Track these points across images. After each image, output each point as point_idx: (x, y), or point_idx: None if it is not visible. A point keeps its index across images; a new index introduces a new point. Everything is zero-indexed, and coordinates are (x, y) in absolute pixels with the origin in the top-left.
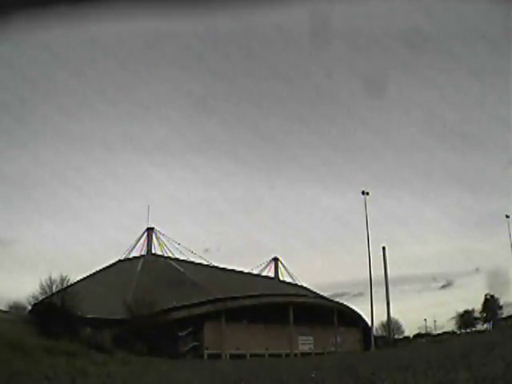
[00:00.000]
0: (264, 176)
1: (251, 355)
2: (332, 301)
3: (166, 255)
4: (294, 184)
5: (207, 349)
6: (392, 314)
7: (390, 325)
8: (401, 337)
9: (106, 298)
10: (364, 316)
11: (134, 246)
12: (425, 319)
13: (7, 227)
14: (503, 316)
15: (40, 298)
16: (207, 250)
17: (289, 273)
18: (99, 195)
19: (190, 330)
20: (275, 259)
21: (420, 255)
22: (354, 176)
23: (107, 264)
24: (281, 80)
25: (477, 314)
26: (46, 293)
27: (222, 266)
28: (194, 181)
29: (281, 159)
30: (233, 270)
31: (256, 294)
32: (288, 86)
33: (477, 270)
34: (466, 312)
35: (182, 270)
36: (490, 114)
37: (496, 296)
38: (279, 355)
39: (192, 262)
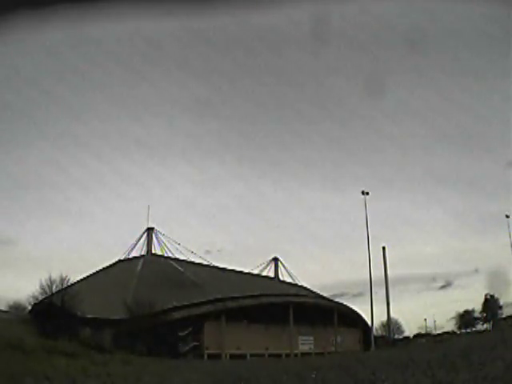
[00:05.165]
0: (264, 176)
1: (251, 355)
2: (332, 301)
3: (165, 255)
4: (294, 184)
5: (207, 349)
6: (392, 314)
7: (390, 325)
8: (401, 337)
9: (106, 298)
10: (364, 316)
11: (134, 246)
12: (425, 319)
13: (7, 227)
14: (503, 316)
15: (40, 298)
16: (208, 252)
17: (289, 273)
18: (99, 195)
19: (190, 330)
20: (275, 259)
21: (420, 255)
22: (354, 176)
23: (107, 264)
24: (281, 80)
25: (477, 314)
26: (45, 293)
27: (222, 266)
28: (193, 181)
29: (281, 159)
30: (233, 270)
31: (256, 294)
32: (289, 86)
33: (476, 270)
34: (466, 312)
35: (181, 270)
36: (490, 114)
37: (496, 296)
38: (279, 355)
39: (192, 262)
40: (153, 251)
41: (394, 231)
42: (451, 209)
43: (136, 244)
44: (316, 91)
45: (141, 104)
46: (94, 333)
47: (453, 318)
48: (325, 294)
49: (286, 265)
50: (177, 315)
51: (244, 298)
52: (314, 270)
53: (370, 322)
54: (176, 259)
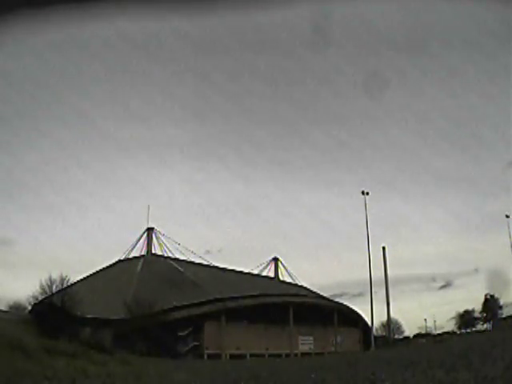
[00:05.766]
0: (264, 176)
1: (251, 355)
2: (332, 301)
3: (165, 255)
4: (294, 184)
5: (207, 349)
6: (392, 314)
7: (390, 325)
8: (401, 337)
9: (106, 298)
10: (364, 316)
11: (134, 246)
12: (425, 319)
13: (7, 227)
14: (503, 316)
15: (40, 298)
16: (208, 252)
17: (289, 273)
18: (99, 195)
19: (190, 329)
20: (275, 259)
21: (420, 255)
22: (354, 176)
23: (107, 264)
24: (281, 80)
25: (477, 314)
26: (45, 293)
27: (222, 266)
28: (194, 181)
29: (281, 160)
30: (233, 270)
31: (256, 293)
32: (289, 86)
33: (476, 270)
34: (466, 312)
35: (181, 270)
36: (491, 114)
37: (496, 296)
38: (279, 355)
39: (192, 262)
40: (153, 251)
41: (393, 231)
42: (451, 209)
43: (136, 244)
44: (316, 91)
45: (141, 104)
46: (94, 333)
47: (453, 317)
48: (325, 294)
49: (285, 265)
50: (177, 315)
51: (244, 297)
52: (314, 270)
53: (370, 322)
54: (176, 259)
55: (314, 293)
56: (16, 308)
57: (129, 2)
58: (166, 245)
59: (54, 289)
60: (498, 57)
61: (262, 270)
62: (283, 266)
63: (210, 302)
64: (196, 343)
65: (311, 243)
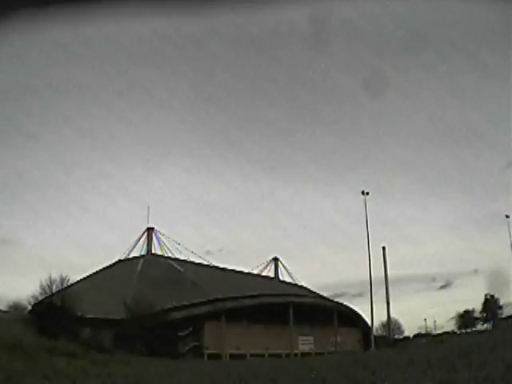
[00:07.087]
0: (264, 176)
1: (251, 355)
2: (332, 301)
3: (166, 255)
4: (294, 184)
5: (207, 349)
6: (392, 314)
7: (390, 325)
8: (401, 337)
9: (106, 298)
10: (364, 316)
11: (134, 246)
12: (425, 319)
13: (7, 227)
14: (503, 316)
15: (40, 298)
16: (209, 252)
17: (289, 273)
18: (99, 195)
19: (190, 329)
20: (275, 259)
21: (420, 255)
22: (354, 176)
23: (107, 264)
24: (281, 80)
25: (477, 314)
26: (45, 293)
27: (222, 266)
28: (194, 181)
29: (281, 159)
30: (233, 270)
31: (256, 293)
32: (288, 86)
33: (476, 270)
34: (466, 312)
35: (181, 270)
36: (490, 114)
37: (496, 296)
38: (279, 355)
39: (192, 262)
40: (153, 251)
41: (394, 231)
42: (451, 209)
43: (136, 244)
44: (317, 91)
45: (141, 103)
46: (94, 333)
47: (453, 317)
48: (325, 294)
49: (286, 265)
50: (177, 315)
51: (244, 297)
52: (314, 270)
53: (370, 322)
54: (176, 259)
55: (314, 293)
56: (16, 308)
57: (128, 1)
58: (166, 245)
59: (54, 289)
60: (498, 56)
61: (262, 270)
62: (283, 266)
63: (210, 301)
64: (196, 343)
65: (311, 243)
